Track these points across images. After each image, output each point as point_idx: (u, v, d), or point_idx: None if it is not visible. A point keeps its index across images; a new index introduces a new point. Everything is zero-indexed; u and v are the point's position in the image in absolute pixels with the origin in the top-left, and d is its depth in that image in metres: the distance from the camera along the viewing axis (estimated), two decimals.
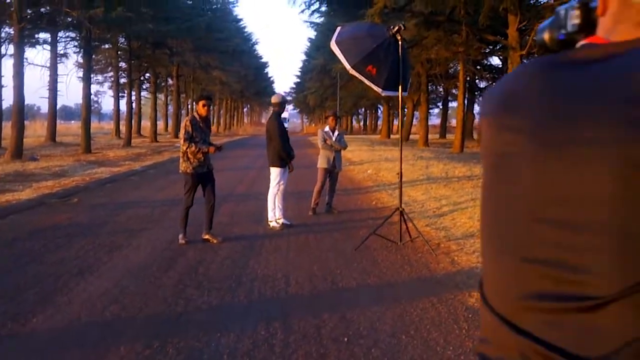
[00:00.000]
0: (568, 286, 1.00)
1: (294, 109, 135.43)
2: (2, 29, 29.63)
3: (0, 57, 28.99)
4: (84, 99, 30.76)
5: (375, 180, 17.14)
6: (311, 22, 45.63)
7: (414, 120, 57.61)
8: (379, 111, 64.51)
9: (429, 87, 45.18)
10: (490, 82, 49.48)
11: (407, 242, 8.42)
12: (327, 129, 11.42)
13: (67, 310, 5.50)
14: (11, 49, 27.59)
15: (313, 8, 24.55)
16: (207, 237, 8.56)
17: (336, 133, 11.40)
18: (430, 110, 61.36)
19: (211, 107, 8.91)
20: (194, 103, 75.30)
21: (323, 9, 26.92)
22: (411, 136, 49.63)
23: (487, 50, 34.26)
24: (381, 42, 8.14)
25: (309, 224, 10.18)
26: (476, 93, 52.84)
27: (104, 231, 9.20)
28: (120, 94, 43.74)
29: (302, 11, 25.25)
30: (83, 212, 10.94)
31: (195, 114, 8.54)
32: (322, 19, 40.98)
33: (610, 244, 0.96)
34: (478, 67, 42.16)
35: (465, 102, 46.69)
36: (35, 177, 16.70)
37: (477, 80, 48.59)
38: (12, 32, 25.58)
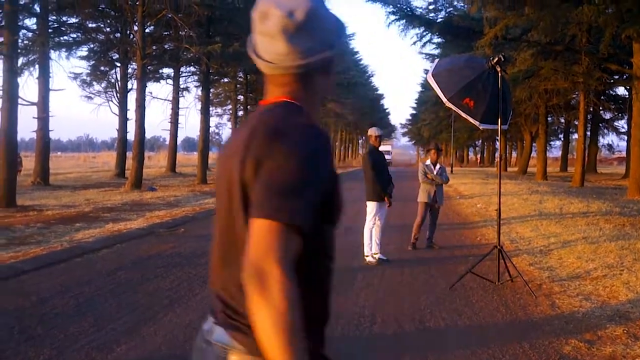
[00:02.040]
0: None
1: (408, 141, 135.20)
2: (129, 65, 31.41)
3: (126, 92, 30.71)
4: (201, 132, 32.02)
5: (484, 215, 16.68)
6: (426, 54, 45.47)
7: (533, 152, 56.11)
8: (496, 143, 63.51)
9: (549, 119, 43.88)
10: (615, 113, 47.59)
11: (506, 282, 8.08)
12: (428, 162, 11.29)
13: (150, 341, 5.62)
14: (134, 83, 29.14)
15: (425, 40, 24.32)
16: None
17: (438, 167, 11.23)
18: (552, 143, 59.67)
19: None
20: None
21: (435, 40, 26.67)
22: (529, 169, 48.14)
23: (612, 81, 32.84)
24: (479, 74, 7.96)
25: (406, 259, 10.03)
26: (600, 125, 50.78)
27: (202, 262, 9.39)
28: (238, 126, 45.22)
29: (414, 43, 24.74)
30: (186, 242, 11.26)
31: None
32: (438, 50, 40.86)
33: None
34: (602, 97, 40.55)
35: (588, 133, 45.05)
36: (150, 207, 17.44)
37: (601, 111, 46.73)
38: (136, 69, 27.01)
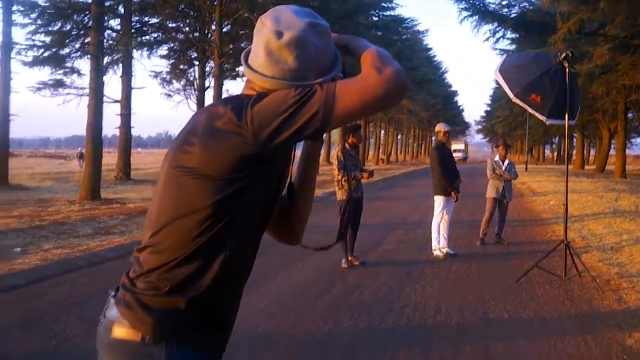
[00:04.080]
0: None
1: (483, 138, 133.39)
2: (207, 64, 32.19)
3: (204, 90, 31.50)
4: None
5: (557, 212, 16.45)
6: (500, 49, 44.78)
7: (612, 150, 54.58)
8: (574, 140, 61.93)
9: (629, 115, 42.61)
10: None
11: (574, 277, 8.10)
12: (497, 158, 11.35)
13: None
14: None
15: (498, 35, 24.10)
16: (351, 259, 8.87)
17: (506, 162, 11.28)
18: (632, 140, 57.83)
19: (360, 137, 9.18)
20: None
21: (509, 35, 26.33)
22: (608, 167, 46.86)
23: None
24: (547, 70, 8.00)
25: (473, 254, 10.13)
26: None
27: (278, 252, 9.66)
28: None
29: (487, 39, 24.45)
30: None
31: (346, 143, 8.83)
32: (512, 46, 40.22)
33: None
34: None
35: None
36: None
37: None
38: (213, 67, 27.70)
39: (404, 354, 5.17)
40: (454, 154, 11.09)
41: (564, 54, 8.00)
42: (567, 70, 7.92)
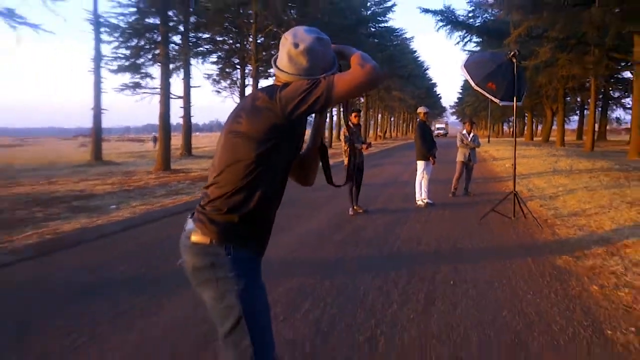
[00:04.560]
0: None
1: (456, 119, 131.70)
2: (246, 67, 32.13)
3: (244, 87, 31.47)
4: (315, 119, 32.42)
5: (510, 172, 16.24)
6: (468, 50, 44.15)
7: (554, 126, 53.98)
8: (526, 118, 61.54)
9: (567, 99, 42.09)
10: (623, 93, 45.12)
11: (520, 218, 8.20)
12: (464, 131, 11.36)
13: (269, 256, 6.13)
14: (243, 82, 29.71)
15: (466, 40, 23.88)
16: (356, 208, 8.97)
17: (471, 135, 11.31)
18: (570, 117, 57.00)
19: (360, 115, 9.23)
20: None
21: (474, 40, 26.06)
22: (551, 139, 46.30)
23: (619, 67, 31.14)
24: (500, 64, 8.03)
25: (447, 203, 10.21)
26: (610, 102, 48.38)
27: (298, 205, 9.86)
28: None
29: (458, 42, 24.39)
30: (287, 189, 11.76)
31: (350, 122, 8.91)
32: (477, 47, 39.67)
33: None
34: (612, 79, 38.59)
35: (599, 110, 42.93)
36: None
37: (611, 91, 44.42)
38: (251, 70, 27.66)
39: (395, 272, 5.31)
40: (438, 131, 11.05)
41: (512, 53, 8.03)
42: (515, 64, 7.95)
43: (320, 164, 2.37)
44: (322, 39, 2.07)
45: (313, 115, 2.16)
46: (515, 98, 7.96)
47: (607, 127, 57.44)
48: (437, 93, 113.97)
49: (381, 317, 4.07)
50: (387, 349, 3.51)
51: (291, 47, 2.04)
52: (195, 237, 2.01)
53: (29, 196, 11.55)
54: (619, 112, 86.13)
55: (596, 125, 38.87)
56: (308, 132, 2.27)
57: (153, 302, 4.46)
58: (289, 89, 1.93)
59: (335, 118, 46.50)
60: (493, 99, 8.03)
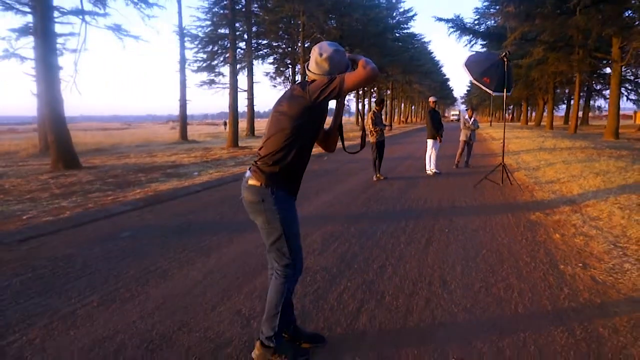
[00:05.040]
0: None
1: (465, 108, 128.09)
2: (296, 67, 32.17)
3: (294, 83, 31.62)
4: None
5: (505, 150, 16.15)
6: (475, 51, 42.60)
7: (545, 113, 51.90)
8: (522, 107, 59.48)
9: (557, 90, 40.34)
10: (604, 85, 42.92)
11: (507, 184, 8.23)
12: (466, 116, 11.28)
13: (309, 209, 6.44)
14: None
15: (472, 43, 23.10)
16: (378, 176, 9.10)
17: (472, 118, 11.20)
18: (559, 106, 54.64)
19: (383, 106, 9.25)
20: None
21: (479, 42, 25.22)
22: (542, 123, 44.59)
23: (601, 64, 29.60)
24: (493, 63, 7.97)
25: (451, 173, 10.22)
26: (593, 93, 46.14)
27: (336, 173, 10.13)
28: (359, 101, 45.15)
29: (466, 45, 23.79)
30: (328, 163, 12.01)
31: (374, 109, 9.02)
32: (484, 49, 38.28)
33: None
34: (595, 75, 36.70)
35: (583, 99, 41.06)
36: None
37: (594, 84, 42.27)
38: (299, 68, 27.66)
39: (404, 222, 5.52)
40: (453, 117, 10.91)
41: (504, 53, 7.95)
42: (505, 62, 7.89)
43: (339, 137, 2.62)
44: (339, 50, 2.34)
45: (335, 102, 2.43)
46: (505, 89, 7.91)
47: (590, 114, 54.95)
48: (450, 86, 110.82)
49: (391, 253, 4.34)
50: (393, 273, 3.78)
51: (317, 55, 2.34)
52: (251, 181, 2.36)
53: (135, 165, 12.21)
54: (600, 102, 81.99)
55: (580, 113, 37.33)
56: (329, 119, 2.53)
57: (225, 239, 4.84)
58: (315, 84, 2.23)
59: (359, 108, 46.04)
60: (487, 90, 7.98)
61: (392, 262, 4.05)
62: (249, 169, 2.42)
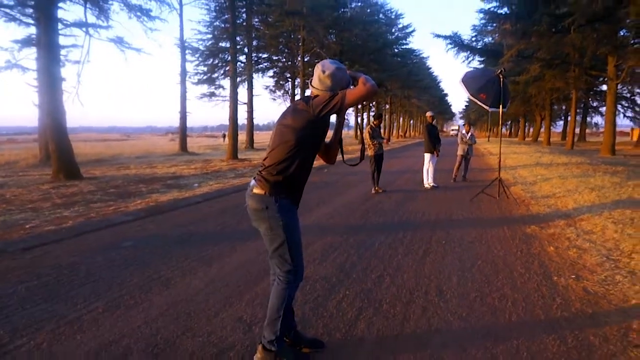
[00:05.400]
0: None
1: (463, 123, 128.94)
2: (296, 80, 32.52)
3: (294, 96, 31.90)
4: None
5: (502, 164, 16.30)
6: (473, 67, 43.11)
7: (543, 128, 52.29)
8: (519, 123, 60.10)
9: (555, 107, 40.78)
10: (600, 102, 43.42)
11: (503, 198, 8.33)
12: (464, 131, 11.44)
13: (310, 219, 6.50)
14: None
15: (470, 59, 23.47)
16: (377, 188, 9.20)
17: (469, 134, 11.36)
18: (556, 122, 55.13)
19: (381, 120, 9.37)
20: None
21: (477, 59, 25.64)
22: (539, 139, 44.92)
23: (597, 82, 30.05)
24: (489, 79, 8.13)
25: (448, 186, 10.34)
26: (589, 110, 46.59)
27: (336, 186, 10.24)
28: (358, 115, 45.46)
29: (464, 61, 24.15)
30: (328, 176, 12.11)
31: (372, 124, 9.17)
32: (481, 65, 38.76)
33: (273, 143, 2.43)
34: (591, 92, 37.16)
35: (580, 116, 41.50)
36: None
37: (590, 101, 42.74)
38: (299, 82, 27.99)
39: (402, 234, 5.62)
40: (453, 132, 11.12)
41: (499, 70, 8.12)
42: (501, 79, 8.06)
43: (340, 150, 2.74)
44: (340, 68, 2.48)
45: (336, 117, 2.56)
46: (500, 105, 8.07)
47: (588, 131, 55.39)
48: (448, 101, 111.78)
49: (388, 263, 4.44)
50: (391, 283, 3.87)
51: (320, 72, 2.47)
52: (256, 190, 2.47)
53: (136, 176, 12.32)
54: (597, 119, 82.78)
55: (578, 129, 37.70)
56: (330, 133, 2.65)
57: (226, 249, 4.94)
58: (318, 99, 2.36)
59: (358, 122, 46.41)
60: (484, 106, 8.12)
61: (390, 272, 4.15)
62: (254, 178, 2.53)
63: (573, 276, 4.01)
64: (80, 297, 3.56)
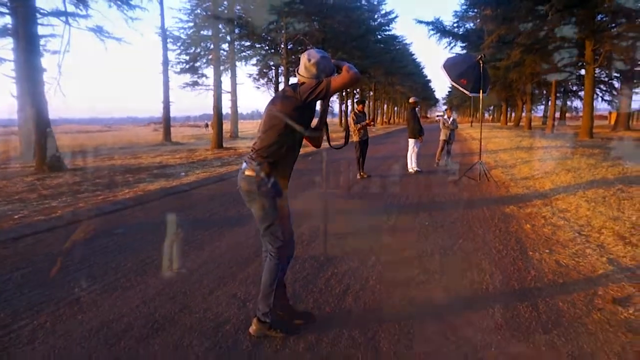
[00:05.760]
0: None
1: (446, 109, 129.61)
2: (279, 68, 32.39)
3: (278, 83, 31.83)
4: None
5: (484, 148, 16.59)
6: (455, 53, 43.40)
7: (524, 113, 53.05)
8: (501, 108, 61.12)
9: (536, 91, 41.37)
10: (580, 87, 44.22)
11: (484, 181, 8.58)
12: (445, 116, 11.65)
13: (297, 204, 6.66)
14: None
15: (452, 45, 23.73)
16: (362, 174, 9.37)
17: (451, 119, 11.56)
18: (538, 107, 56.07)
19: (365, 105, 9.52)
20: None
21: (459, 44, 25.88)
22: (521, 123, 45.64)
23: (576, 66, 30.53)
24: (470, 65, 8.33)
25: (431, 170, 10.56)
26: (569, 94, 47.42)
27: (321, 172, 10.29)
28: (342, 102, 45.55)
29: (446, 47, 24.46)
30: (313, 163, 12.16)
31: (356, 110, 9.33)
32: (463, 50, 39.08)
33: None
34: (571, 76, 37.77)
35: (560, 100, 42.22)
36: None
37: (570, 85, 43.46)
38: (283, 69, 27.91)
39: (386, 216, 5.82)
40: (436, 117, 11.38)
41: (480, 56, 8.33)
42: (481, 65, 8.27)
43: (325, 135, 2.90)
44: (325, 57, 2.62)
45: (321, 103, 2.71)
46: (481, 90, 8.29)
47: (568, 115, 56.26)
48: (432, 87, 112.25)
49: (373, 242, 4.64)
50: (376, 261, 4.08)
51: (306, 61, 2.61)
52: (247, 172, 2.62)
53: (121, 166, 12.30)
54: (577, 103, 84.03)
55: (558, 113, 38.44)
56: (315, 120, 2.80)
57: (216, 233, 5.08)
58: (304, 86, 2.51)
59: (344, 109, 46.45)
60: (464, 91, 8.34)
61: (375, 250, 4.35)
62: (245, 161, 2.68)
63: (547, 251, 4.27)
64: (76, 282, 3.68)
